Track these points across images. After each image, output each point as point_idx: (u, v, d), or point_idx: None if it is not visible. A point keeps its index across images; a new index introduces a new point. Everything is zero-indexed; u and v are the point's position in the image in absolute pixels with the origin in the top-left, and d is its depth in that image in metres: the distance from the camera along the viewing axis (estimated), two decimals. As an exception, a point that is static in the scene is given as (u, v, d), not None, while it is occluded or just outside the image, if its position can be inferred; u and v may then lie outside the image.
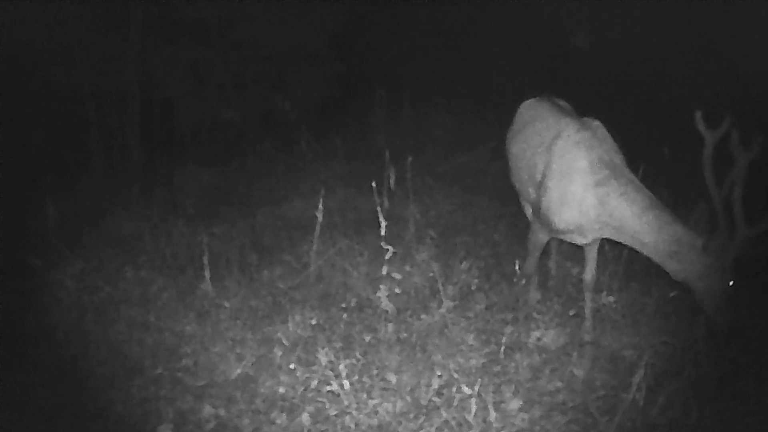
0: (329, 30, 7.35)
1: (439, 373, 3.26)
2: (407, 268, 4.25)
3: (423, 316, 3.80)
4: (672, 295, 3.71)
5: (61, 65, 6.10)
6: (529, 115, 3.88)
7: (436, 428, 2.95)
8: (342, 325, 3.67)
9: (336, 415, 3.04)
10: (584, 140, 3.26)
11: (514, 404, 3.07)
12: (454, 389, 3.14)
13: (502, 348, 3.40)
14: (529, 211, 4.09)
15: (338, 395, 3.10)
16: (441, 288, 3.88)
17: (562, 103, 3.95)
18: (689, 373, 3.16)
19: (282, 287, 4.19)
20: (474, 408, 2.94)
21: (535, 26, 8.21)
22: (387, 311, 3.71)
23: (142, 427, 3.08)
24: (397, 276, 3.86)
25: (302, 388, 3.24)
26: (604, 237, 3.36)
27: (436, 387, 3.16)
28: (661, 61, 7.29)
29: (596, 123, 3.35)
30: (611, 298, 3.86)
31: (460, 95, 7.49)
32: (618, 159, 3.24)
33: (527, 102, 4.07)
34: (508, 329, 3.62)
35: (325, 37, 7.37)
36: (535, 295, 3.98)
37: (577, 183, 3.22)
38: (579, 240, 3.45)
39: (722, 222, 2.88)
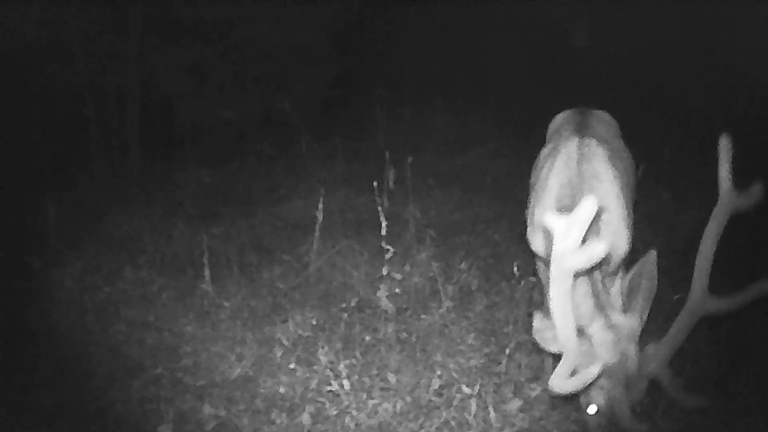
0: (329, 30, 7.35)
1: (439, 373, 3.26)
2: (407, 268, 4.25)
3: (423, 316, 3.80)
4: (676, 298, 3.69)
5: (61, 65, 6.09)
6: (552, 131, 3.39)
7: (436, 428, 2.95)
8: (342, 325, 3.67)
9: (336, 415, 3.05)
10: (564, 156, 2.73)
11: (514, 404, 3.08)
12: (454, 389, 3.14)
13: (507, 347, 3.40)
14: None
15: (338, 395, 3.10)
16: (441, 288, 3.89)
17: (595, 115, 3.18)
18: (689, 373, 3.15)
19: (282, 287, 4.19)
20: (474, 408, 2.95)
21: (535, 26, 8.21)
22: (387, 311, 3.72)
23: (142, 427, 3.08)
24: (397, 276, 3.88)
25: (302, 388, 3.24)
26: None
27: (436, 387, 3.16)
28: (661, 61, 7.30)
29: (588, 140, 2.73)
30: None
31: (460, 95, 7.49)
32: (591, 184, 2.60)
33: (557, 116, 3.47)
34: (508, 329, 3.62)
35: (325, 37, 7.36)
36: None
37: (545, 205, 2.73)
38: None
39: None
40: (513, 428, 2.96)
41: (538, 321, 2.15)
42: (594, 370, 1.95)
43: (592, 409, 2.18)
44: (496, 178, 5.88)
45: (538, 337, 2.16)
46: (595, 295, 2.26)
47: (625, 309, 2.24)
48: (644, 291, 2.22)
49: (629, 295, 2.24)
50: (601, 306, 2.24)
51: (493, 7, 8.09)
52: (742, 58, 5.94)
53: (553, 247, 1.86)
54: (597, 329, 2.19)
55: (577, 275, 1.90)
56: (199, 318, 3.87)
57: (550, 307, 2.00)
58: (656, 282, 2.23)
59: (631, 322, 2.18)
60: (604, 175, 2.63)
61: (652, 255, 2.26)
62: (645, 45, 7.41)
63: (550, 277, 1.95)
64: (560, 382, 2.02)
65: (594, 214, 1.77)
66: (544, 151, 3.04)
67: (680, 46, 7.04)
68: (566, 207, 2.57)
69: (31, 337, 3.72)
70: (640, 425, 2.10)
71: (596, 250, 1.77)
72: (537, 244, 2.83)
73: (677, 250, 4.43)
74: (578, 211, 1.77)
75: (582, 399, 2.21)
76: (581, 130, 2.85)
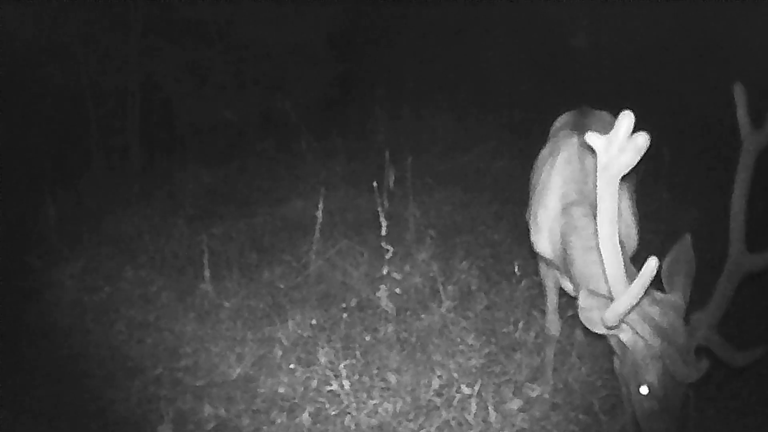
0: (329, 30, 7.35)
1: (439, 373, 3.26)
2: (407, 268, 4.25)
3: (423, 316, 3.80)
4: None
5: (61, 65, 6.09)
6: (553, 131, 3.33)
7: (436, 428, 2.95)
8: (342, 325, 3.67)
9: (336, 415, 3.05)
10: (565, 154, 2.71)
11: (514, 404, 3.08)
12: (454, 389, 3.14)
13: (507, 347, 3.40)
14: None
15: (338, 395, 3.10)
16: (441, 288, 3.89)
17: (597, 114, 3.20)
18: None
19: (282, 287, 4.19)
20: (474, 408, 2.95)
21: (535, 26, 8.21)
22: (387, 311, 3.72)
23: (142, 427, 3.08)
24: (397, 276, 3.88)
25: (302, 388, 3.24)
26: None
27: (436, 387, 3.16)
28: (661, 61, 7.30)
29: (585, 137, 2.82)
30: None
31: (460, 95, 7.49)
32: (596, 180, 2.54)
33: (561, 116, 3.46)
34: (508, 329, 3.63)
35: (325, 37, 7.37)
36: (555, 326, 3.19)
37: (548, 205, 2.71)
38: (565, 284, 2.82)
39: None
40: (513, 428, 2.96)
41: (584, 298, 2.05)
42: (652, 264, 1.76)
43: (644, 390, 2.10)
44: (496, 178, 5.89)
45: (583, 316, 2.07)
46: (627, 269, 2.10)
47: (668, 290, 2.17)
48: (684, 271, 2.15)
49: (669, 278, 2.16)
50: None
51: (493, 7, 8.09)
52: (742, 58, 5.94)
53: (597, 162, 1.81)
54: (644, 304, 2.06)
55: (624, 178, 1.81)
56: (199, 318, 3.88)
57: (599, 228, 1.88)
58: (694, 263, 2.17)
59: (675, 299, 2.11)
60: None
61: (687, 238, 2.20)
62: (645, 45, 7.41)
63: (598, 193, 1.83)
64: (615, 309, 1.90)
65: (632, 128, 1.70)
66: (544, 152, 3.02)
67: (680, 46, 7.04)
68: (574, 202, 2.55)
69: (31, 337, 3.72)
70: (698, 367, 2.04)
71: (639, 142, 1.70)
72: (542, 245, 2.79)
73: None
74: (617, 127, 1.72)
75: (633, 381, 2.14)
76: (580, 128, 2.85)
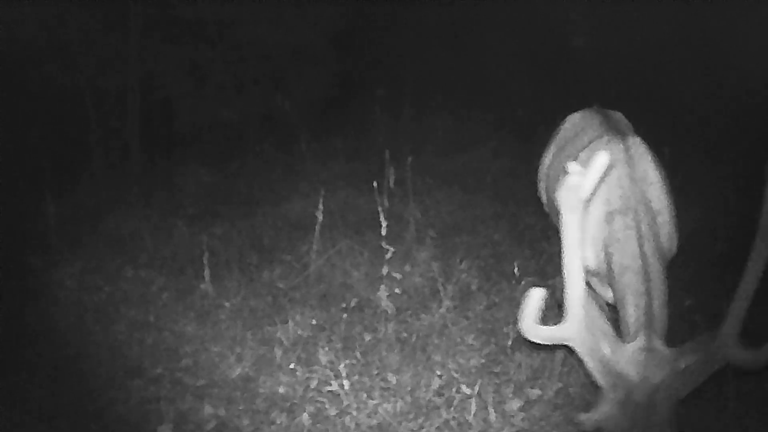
0: (329, 30, 7.35)
1: (439, 373, 3.26)
2: (407, 268, 4.25)
3: (423, 316, 3.80)
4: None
5: (61, 65, 6.09)
6: (572, 131, 3.27)
7: (436, 428, 2.95)
8: (342, 325, 3.67)
9: (336, 415, 3.05)
10: (611, 159, 2.63)
11: (514, 404, 3.08)
12: (454, 389, 3.14)
13: (507, 347, 3.40)
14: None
15: (338, 395, 3.10)
16: (441, 288, 3.89)
17: (615, 115, 3.25)
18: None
19: (282, 287, 4.19)
20: (474, 408, 2.95)
21: (535, 26, 8.21)
22: (387, 311, 3.72)
23: (142, 427, 3.08)
24: (397, 276, 3.88)
25: (302, 388, 3.24)
26: None
27: (436, 387, 3.17)
28: (661, 61, 7.30)
29: (633, 140, 2.67)
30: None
31: (460, 95, 7.49)
32: (642, 188, 2.54)
33: (572, 115, 3.43)
34: (508, 329, 3.63)
35: (325, 37, 7.37)
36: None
37: (591, 210, 2.52)
38: (605, 293, 2.76)
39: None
40: (513, 428, 2.96)
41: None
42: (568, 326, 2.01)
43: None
44: (496, 178, 5.89)
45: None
46: (647, 312, 2.21)
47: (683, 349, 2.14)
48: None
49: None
50: (649, 324, 2.17)
51: (493, 7, 8.09)
52: (742, 58, 5.94)
53: (566, 180, 1.90)
54: (633, 348, 2.12)
55: (587, 202, 1.91)
56: (199, 318, 3.88)
57: (564, 249, 1.97)
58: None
59: (669, 354, 2.10)
60: (653, 178, 2.57)
61: None
62: (645, 45, 7.41)
63: (561, 207, 1.92)
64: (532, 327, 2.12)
65: (606, 167, 1.83)
66: (582, 156, 2.85)
67: (680, 46, 7.04)
68: (617, 210, 2.49)
69: (31, 337, 3.72)
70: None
71: (599, 160, 1.81)
72: (587, 255, 2.58)
73: (677, 250, 4.43)
74: (594, 163, 1.82)
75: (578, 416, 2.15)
76: (614, 130, 2.79)
